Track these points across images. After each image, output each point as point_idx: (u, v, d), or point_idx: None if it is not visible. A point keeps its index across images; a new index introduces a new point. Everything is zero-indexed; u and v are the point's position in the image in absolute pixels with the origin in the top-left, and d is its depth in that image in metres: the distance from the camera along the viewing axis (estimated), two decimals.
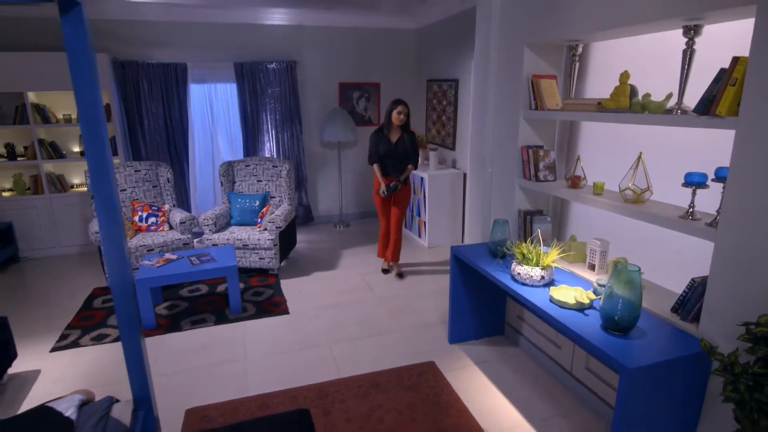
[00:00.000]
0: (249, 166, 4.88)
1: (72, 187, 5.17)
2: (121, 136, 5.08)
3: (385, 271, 4.54)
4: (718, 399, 1.77)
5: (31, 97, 4.76)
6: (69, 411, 1.86)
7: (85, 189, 5.11)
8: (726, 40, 1.98)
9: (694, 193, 1.98)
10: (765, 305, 1.63)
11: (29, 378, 2.93)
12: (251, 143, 5.63)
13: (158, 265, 3.57)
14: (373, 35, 5.91)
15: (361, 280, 4.36)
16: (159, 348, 3.25)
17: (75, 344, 3.29)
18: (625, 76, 2.26)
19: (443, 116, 5.46)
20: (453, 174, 5.08)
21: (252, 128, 5.59)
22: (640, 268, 1.90)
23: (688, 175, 1.99)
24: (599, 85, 2.74)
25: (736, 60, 1.71)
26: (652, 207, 2.19)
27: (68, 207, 5.02)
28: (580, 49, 2.69)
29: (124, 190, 4.48)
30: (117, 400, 2.03)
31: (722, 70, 1.78)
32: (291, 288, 4.21)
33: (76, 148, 5.15)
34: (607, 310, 1.96)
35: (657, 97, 2.17)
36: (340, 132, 5.59)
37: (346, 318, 3.65)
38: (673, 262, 2.34)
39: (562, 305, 2.20)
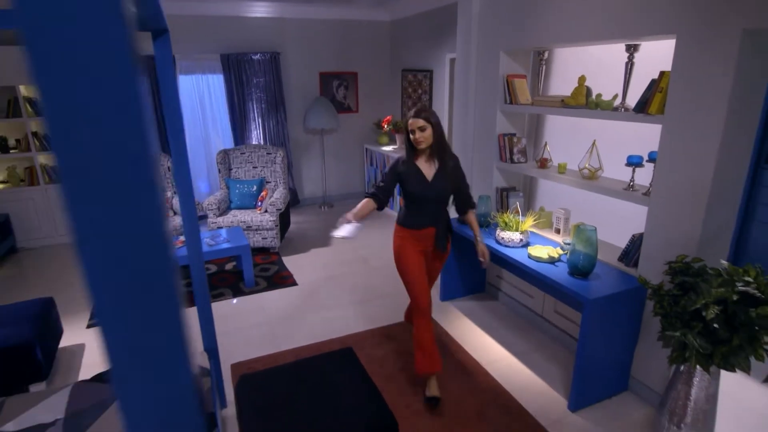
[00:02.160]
0: (244, 153, 5.23)
1: None
2: None
3: (434, 401, 2.65)
4: (650, 316, 2.47)
5: (23, 90, 4.85)
6: None
7: None
8: (657, 56, 2.62)
9: (633, 171, 2.64)
10: (682, 250, 2.32)
11: (77, 351, 3.29)
12: (239, 132, 5.94)
13: (178, 246, 3.94)
14: (350, 26, 6.30)
15: (355, 254, 4.89)
16: (189, 318, 3.65)
17: None
18: (582, 79, 2.88)
19: (419, 104, 5.98)
20: None
21: (240, 117, 5.89)
22: (596, 228, 2.55)
23: (629, 158, 2.64)
24: (561, 84, 3.36)
25: (662, 73, 2.35)
26: (603, 182, 2.84)
27: None
28: (546, 55, 3.29)
29: None
30: None
31: (653, 80, 2.42)
32: (293, 264, 4.68)
33: None
34: (572, 260, 2.61)
35: (606, 96, 2.80)
36: (323, 119, 6.00)
37: (349, 286, 4.18)
38: (619, 224, 3.03)
39: (538, 260, 2.83)
